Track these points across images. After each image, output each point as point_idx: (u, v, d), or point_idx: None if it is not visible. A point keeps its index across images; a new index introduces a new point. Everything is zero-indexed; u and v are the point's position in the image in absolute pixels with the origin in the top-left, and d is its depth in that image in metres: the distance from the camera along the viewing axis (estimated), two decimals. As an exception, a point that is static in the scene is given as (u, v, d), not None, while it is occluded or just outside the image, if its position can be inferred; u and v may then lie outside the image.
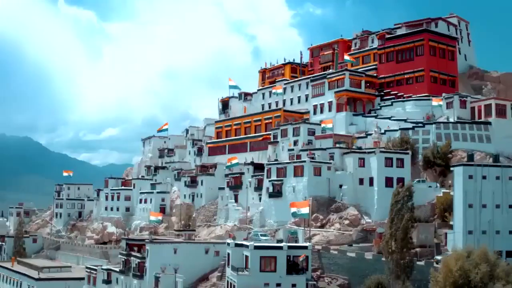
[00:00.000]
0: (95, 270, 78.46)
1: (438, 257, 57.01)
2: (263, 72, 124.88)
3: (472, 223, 59.13)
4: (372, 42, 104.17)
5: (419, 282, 53.80)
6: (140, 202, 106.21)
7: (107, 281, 74.93)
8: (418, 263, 55.92)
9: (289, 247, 55.67)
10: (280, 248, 55.18)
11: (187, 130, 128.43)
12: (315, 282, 56.49)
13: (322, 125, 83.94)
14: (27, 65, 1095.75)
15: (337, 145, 77.08)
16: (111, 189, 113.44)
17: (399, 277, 52.37)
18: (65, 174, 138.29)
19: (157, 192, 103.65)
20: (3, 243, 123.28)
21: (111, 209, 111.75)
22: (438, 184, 70.97)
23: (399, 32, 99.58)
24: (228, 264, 56.92)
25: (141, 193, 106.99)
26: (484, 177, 60.12)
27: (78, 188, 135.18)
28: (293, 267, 54.59)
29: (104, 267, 78.21)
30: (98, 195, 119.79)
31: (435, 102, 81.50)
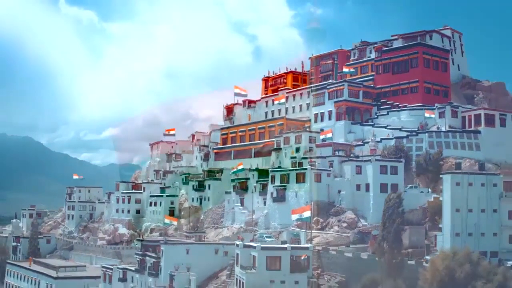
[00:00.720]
0: (111, 269, 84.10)
1: (428, 257, 62.53)
2: (266, 80, 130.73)
3: (459, 226, 64.26)
4: (370, 52, 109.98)
5: (410, 280, 59.31)
6: (150, 205, 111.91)
7: (123, 279, 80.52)
8: (409, 262, 61.51)
9: (292, 248, 61.60)
10: (284, 249, 61.14)
11: (193, 136, 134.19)
12: (315, 280, 62.24)
13: (322, 136, 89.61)
14: (28, 65, 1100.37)
15: (336, 153, 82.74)
16: (122, 193, 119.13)
17: (391, 275, 58.12)
18: (75, 177, 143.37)
19: (167, 196, 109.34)
20: (18, 244, 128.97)
21: (122, 211, 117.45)
22: (429, 190, 76.37)
23: (396, 44, 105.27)
24: (237, 263, 62.74)
25: (151, 196, 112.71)
26: (470, 184, 65.41)
27: (89, 191, 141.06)
28: (296, 266, 60.38)
29: (120, 266, 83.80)
30: (109, 197, 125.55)
31: (427, 114, 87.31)
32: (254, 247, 60.62)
